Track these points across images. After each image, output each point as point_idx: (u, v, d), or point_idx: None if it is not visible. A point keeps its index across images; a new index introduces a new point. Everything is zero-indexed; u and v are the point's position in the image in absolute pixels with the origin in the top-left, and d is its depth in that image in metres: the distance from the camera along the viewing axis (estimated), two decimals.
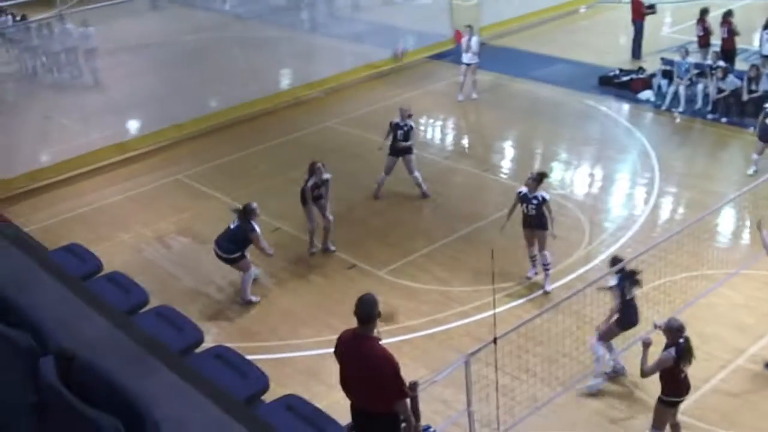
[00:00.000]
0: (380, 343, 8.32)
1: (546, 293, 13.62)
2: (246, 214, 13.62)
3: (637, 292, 11.41)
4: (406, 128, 16.60)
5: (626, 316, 11.28)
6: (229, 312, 13.69)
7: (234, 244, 13.61)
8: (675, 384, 9.70)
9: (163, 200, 17.74)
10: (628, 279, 11.17)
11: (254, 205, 13.70)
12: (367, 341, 8.21)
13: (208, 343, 10.92)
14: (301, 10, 27.46)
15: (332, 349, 8.44)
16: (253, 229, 13.56)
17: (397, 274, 14.38)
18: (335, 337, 8.44)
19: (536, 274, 14.02)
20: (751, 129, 17.85)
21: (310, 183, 14.90)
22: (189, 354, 9.19)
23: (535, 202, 13.40)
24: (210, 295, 14.19)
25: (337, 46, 25.28)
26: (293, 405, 7.52)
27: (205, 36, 23.96)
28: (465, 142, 20.42)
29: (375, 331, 8.26)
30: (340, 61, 24.48)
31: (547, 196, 13.59)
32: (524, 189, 13.58)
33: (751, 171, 16.77)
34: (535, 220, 13.51)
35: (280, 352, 12.66)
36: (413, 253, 14.96)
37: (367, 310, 8.14)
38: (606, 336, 11.38)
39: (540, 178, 13.57)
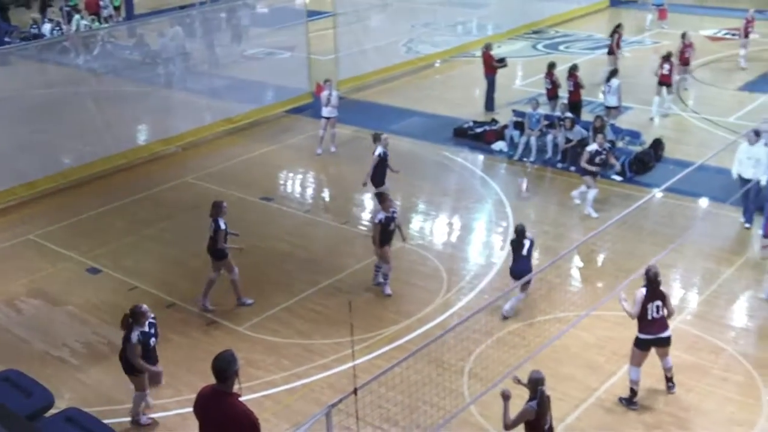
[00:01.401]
0: (240, 399, 8.23)
1: (389, 295, 15.02)
2: (132, 318, 11.48)
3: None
4: (387, 152, 17.60)
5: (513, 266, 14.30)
6: (84, 375, 13.24)
7: (126, 362, 11.73)
8: None
9: (13, 261, 17.11)
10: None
11: (143, 307, 11.55)
12: (227, 398, 8.13)
13: (61, 408, 10.63)
14: (157, 65, 27.16)
15: (192, 409, 8.31)
16: (128, 339, 11.45)
17: (257, 329, 14.27)
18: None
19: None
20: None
21: (223, 225, 14.47)
22: (38, 418, 8.91)
23: (395, 217, 15.01)
24: (64, 359, 13.71)
25: (194, 101, 25.12)
26: None
27: (58, 91, 23.38)
28: (325, 195, 20.53)
29: (236, 387, 8.19)
30: (198, 117, 24.31)
31: None
32: (383, 214, 14.83)
33: (595, 214, 17.59)
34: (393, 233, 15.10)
35: None
36: (274, 308, 14.89)
37: (224, 367, 8.06)
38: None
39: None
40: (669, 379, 12.15)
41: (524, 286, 14.03)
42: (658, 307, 11.65)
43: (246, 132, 24.31)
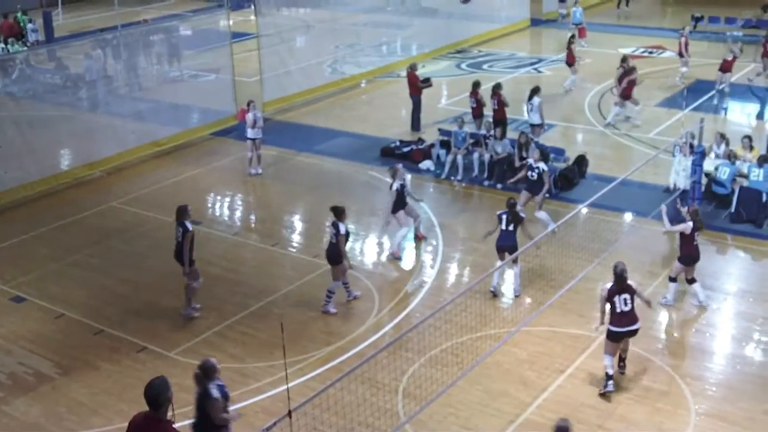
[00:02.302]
0: (174, 425, 8.16)
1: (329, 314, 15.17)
2: (204, 374, 10.16)
3: None
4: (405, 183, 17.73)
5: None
6: (10, 408, 12.92)
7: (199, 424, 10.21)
8: None
9: None
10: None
11: (212, 360, 10.30)
12: (159, 425, 8.04)
13: None
14: (79, 89, 26.76)
15: None
16: (209, 395, 10.00)
17: (189, 354, 14.09)
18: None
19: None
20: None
21: (191, 227, 14.86)
22: None
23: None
24: None
25: (119, 124, 24.79)
26: None
27: None
28: (253, 217, 20.40)
29: (169, 413, 8.10)
30: (123, 140, 23.99)
31: None
32: (344, 226, 14.94)
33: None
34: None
35: None
36: (205, 332, 14.74)
37: (156, 394, 7.99)
38: None
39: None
40: (622, 360, 12.94)
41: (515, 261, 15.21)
42: (625, 299, 12.32)
43: (172, 155, 24.09)
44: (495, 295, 15.40)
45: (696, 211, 14.75)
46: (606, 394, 12.40)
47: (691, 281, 14.83)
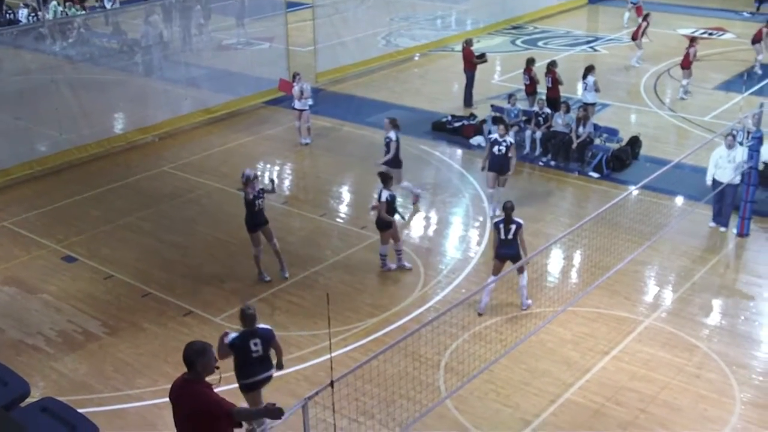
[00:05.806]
0: (217, 389, 8.24)
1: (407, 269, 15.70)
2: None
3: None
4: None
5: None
6: (58, 364, 13.16)
7: None
8: None
9: None
10: None
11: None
12: (196, 386, 8.15)
13: (35, 397, 10.59)
14: (135, 54, 26.99)
15: (167, 399, 8.33)
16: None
17: (234, 319, 14.15)
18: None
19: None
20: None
21: (251, 194, 15.01)
22: (14, 407, 8.85)
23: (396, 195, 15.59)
24: (38, 347, 13.62)
25: (172, 90, 24.96)
26: None
27: (32, 78, 23.14)
28: (302, 186, 20.46)
29: (215, 377, 8.21)
30: (176, 106, 24.17)
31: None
32: (387, 192, 15.19)
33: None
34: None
35: (114, 403, 12.29)
36: (250, 299, 14.79)
37: (190, 356, 8.10)
38: None
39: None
40: None
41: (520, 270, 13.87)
42: None
43: (224, 122, 24.23)
44: (481, 314, 14.10)
45: None
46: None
47: None
